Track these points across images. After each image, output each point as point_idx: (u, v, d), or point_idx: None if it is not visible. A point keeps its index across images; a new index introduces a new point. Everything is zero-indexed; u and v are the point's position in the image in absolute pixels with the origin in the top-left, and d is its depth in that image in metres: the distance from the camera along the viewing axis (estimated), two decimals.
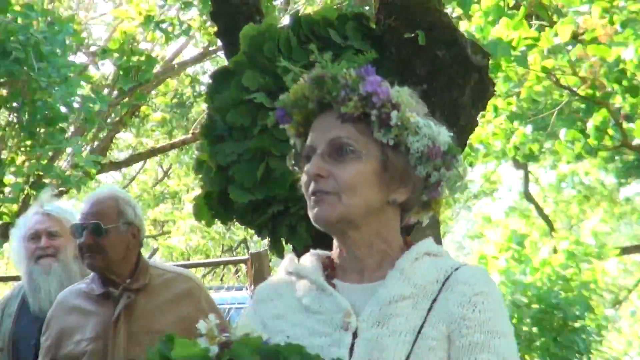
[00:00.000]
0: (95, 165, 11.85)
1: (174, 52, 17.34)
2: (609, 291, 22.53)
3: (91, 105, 11.43)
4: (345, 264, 2.70)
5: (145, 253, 5.11)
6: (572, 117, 11.84)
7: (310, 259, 2.78)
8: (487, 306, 2.55)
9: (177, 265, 6.53)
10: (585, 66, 10.77)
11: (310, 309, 2.65)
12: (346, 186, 2.59)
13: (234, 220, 4.50)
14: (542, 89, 11.48)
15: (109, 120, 16.94)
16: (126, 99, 16.00)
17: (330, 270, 2.73)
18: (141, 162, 21.46)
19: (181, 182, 23.31)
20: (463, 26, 10.20)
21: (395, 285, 2.60)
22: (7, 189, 11.58)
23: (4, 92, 11.12)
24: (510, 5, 10.26)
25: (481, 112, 4.63)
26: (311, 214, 2.64)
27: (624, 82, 10.06)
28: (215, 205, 4.44)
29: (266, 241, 4.52)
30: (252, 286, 7.52)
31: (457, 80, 4.35)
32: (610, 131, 11.49)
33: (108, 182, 22.72)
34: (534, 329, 9.36)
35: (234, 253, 23.04)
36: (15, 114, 11.18)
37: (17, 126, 11.17)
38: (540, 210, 21.38)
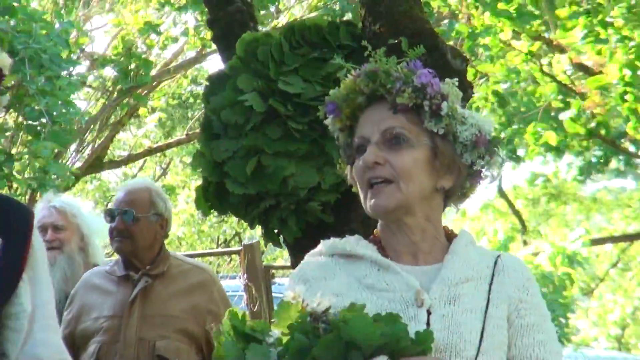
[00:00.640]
0: (67, 177, 11.74)
1: (170, 56, 17.31)
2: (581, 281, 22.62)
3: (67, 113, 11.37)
4: (398, 248, 2.69)
5: None
6: (548, 116, 11.84)
7: (359, 242, 2.74)
8: (535, 291, 2.65)
9: None
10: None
11: (375, 287, 2.62)
12: (403, 172, 2.60)
13: (229, 213, 4.52)
14: (521, 66, 11.44)
15: (110, 120, 16.95)
16: (125, 100, 15.98)
17: (381, 252, 2.70)
18: (141, 161, 21.39)
19: (178, 178, 23.29)
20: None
21: (458, 268, 2.62)
22: (14, 185, 11.54)
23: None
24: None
25: None
26: (369, 203, 2.63)
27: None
28: (212, 198, 4.46)
29: (258, 233, 4.54)
30: (245, 275, 7.54)
31: None
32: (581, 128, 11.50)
33: (109, 179, 22.75)
34: None
35: (228, 244, 23.05)
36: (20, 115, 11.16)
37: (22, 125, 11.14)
38: (513, 207, 21.40)
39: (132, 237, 4.90)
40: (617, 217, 24.64)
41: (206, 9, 5.10)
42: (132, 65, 14.52)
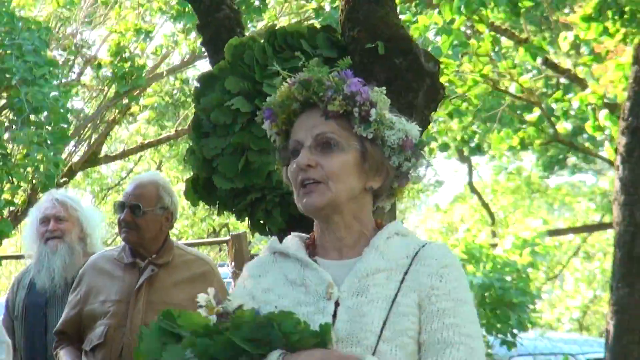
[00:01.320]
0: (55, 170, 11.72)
1: (160, 58, 17.28)
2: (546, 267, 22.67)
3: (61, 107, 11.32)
4: (326, 244, 2.74)
5: None
6: (511, 116, 11.86)
7: (292, 240, 2.82)
8: (452, 277, 2.61)
9: None
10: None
11: (295, 282, 2.68)
12: (333, 174, 2.63)
13: (217, 205, 4.54)
14: (480, 92, 11.46)
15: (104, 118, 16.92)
16: (119, 102, 15.97)
17: (311, 249, 2.77)
18: (137, 156, 21.35)
19: (171, 173, 23.24)
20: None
21: (371, 260, 2.64)
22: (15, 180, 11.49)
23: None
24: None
25: (433, 113, 4.67)
26: (301, 202, 2.68)
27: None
28: (201, 191, 4.49)
29: (246, 224, 4.56)
30: (233, 263, 7.56)
31: (412, 85, 4.39)
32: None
33: (107, 174, 22.70)
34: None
35: (217, 234, 23.05)
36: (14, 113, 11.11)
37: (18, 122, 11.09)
38: (482, 200, 21.45)
39: (139, 228, 4.94)
40: (579, 209, 24.76)
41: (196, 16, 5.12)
42: (127, 69, 14.51)
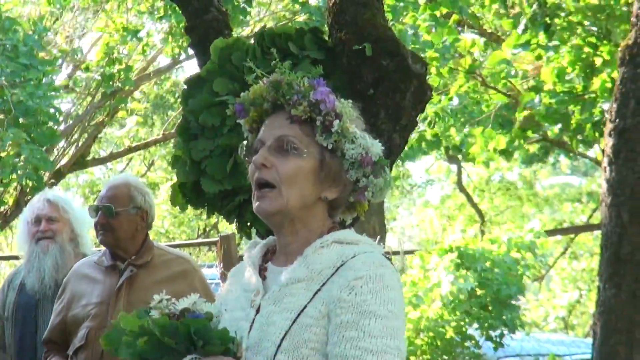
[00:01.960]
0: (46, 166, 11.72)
1: (148, 60, 17.25)
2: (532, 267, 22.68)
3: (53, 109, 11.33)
4: (278, 248, 2.75)
5: None
6: (499, 117, 11.85)
7: (260, 244, 2.83)
8: (365, 289, 2.52)
9: None
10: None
11: (246, 287, 2.71)
12: (286, 178, 2.62)
13: (205, 207, 4.53)
14: (469, 88, 11.47)
15: (92, 122, 16.90)
16: (108, 103, 15.95)
17: (270, 255, 2.77)
18: (127, 158, 21.35)
19: (161, 175, 23.24)
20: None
21: (295, 269, 2.62)
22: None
23: None
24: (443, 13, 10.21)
25: (420, 114, 4.67)
26: (254, 205, 2.67)
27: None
28: (189, 194, 4.48)
29: (234, 225, 4.55)
30: (221, 264, 7.56)
31: (399, 86, 4.39)
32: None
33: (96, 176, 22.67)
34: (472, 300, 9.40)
35: (207, 235, 23.05)
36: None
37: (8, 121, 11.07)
38: (471, 200, 21.48)
39: (113, 230, 4.96)
40: (566, 210, 24.82)
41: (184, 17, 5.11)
42: (114, 70, 14.49)
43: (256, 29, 13.49)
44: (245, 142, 2.82)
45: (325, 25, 4.64)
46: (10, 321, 5.59)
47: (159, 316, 2.54)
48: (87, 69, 15.29)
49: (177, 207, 4.67)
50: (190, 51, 14.07)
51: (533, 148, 12.80)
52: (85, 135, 17.24)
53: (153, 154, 22.01)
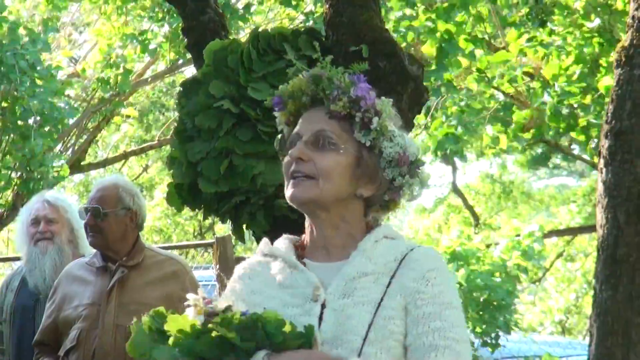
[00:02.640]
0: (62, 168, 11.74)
1: (145, 65, 17.24)
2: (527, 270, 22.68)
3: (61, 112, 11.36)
4: (314, 243, 2.73)
5: None
6: (498, 117, 11.83)
7: (283, 242, 2.80)
8: (438, 281, 2.59)
9: None
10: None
11: (283, 284, 2.68)
12: (324, 171, 2.62)
13: (202, 208, 4.52)
14: (479, 87, 11.47)
15: (89, 125, 16.90)
16: (104, 107, 15.95)
17: (300, 251, 2.76)
18: (123, 160, 21.36)
19: (157, 176, 23.25)
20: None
21: (359, 263, 2.63)
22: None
23: None
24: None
25: (417, 115, 4.67)
26: (288, 193, 2.66)
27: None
28: (185, 195, 4.47)
29: (229, 226, 4.55)
30: (218, 266, 7.55)
31: (396, 88, 4.38)
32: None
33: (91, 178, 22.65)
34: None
35: (203, 237, 23.04)
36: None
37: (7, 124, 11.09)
38: (466, 202, 21.47)
39: (102, 231, 4.97)
40: (562, 211, 24.83)
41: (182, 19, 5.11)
42: (112, 75, 14.48)
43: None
44: (280, 136, 2.83)
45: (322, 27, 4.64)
46: (8, 323, 5.59)
47: (196, 315, 2.49)
48: (83, 71, 15.27)
49: (173, 207, 4.66)
50: (188, 56, 14.09)
51: (532, 151, 12.82)
52: (82, 139, 17.25)
53: (149, 156, 21.99)
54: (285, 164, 2.70)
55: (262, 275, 2.76)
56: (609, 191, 5.31)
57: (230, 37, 4.82)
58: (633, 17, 5.41)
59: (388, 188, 2.72)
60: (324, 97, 2.69)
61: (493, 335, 9.45)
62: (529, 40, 9.61)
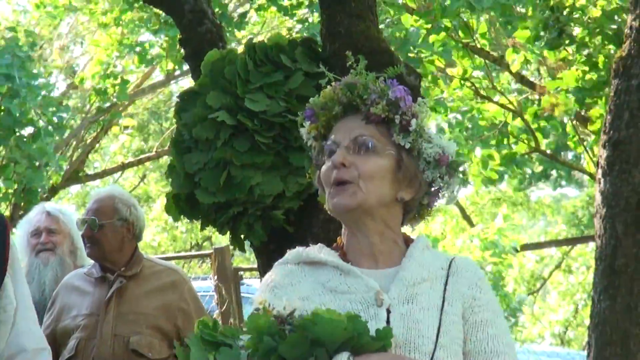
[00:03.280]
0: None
1: (143, 76, 17.25)
2: (524, 281, 22.69)
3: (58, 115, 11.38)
4: (358, 250, 2.70)
5: None
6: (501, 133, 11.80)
7: (321, 249, 2.75)
8: (487, 288, 2.66)
9: None
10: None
11: (338, 290, 2.63)
12: (367, 175, 2.61)
13: (199, 219, 4.52)
14: (462, 95, 11.43)
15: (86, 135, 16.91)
16: (102, 118, 15.97)
17: (342, 258, 2.71)
18: (119, 173, 21.36)
19: (155, 188, 23.25)
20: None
21: (415, 270, 2.63)
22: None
23: None
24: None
25: None
26: (331, 202, 2.64)
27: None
28: (183, 205, 4.48)
29: (227, 237, 4.55)
30: (215, 276, 7.56)
31: None
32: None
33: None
34: None
35: (200, 248, 23.03)
36: None
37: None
38: (463, 211, 21.45)
39: (99, 242, 4.96)
40: (560, 221, 24.83)
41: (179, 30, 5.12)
42: (109, 86, 14.49)
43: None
44: (313, 149, 2.79)
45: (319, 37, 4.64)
46: None
47: (271, 319, 2.45)
48: (81, 82, 15.29)
49: (171, 218, 4.67)
50: (185, 66, 14.09)
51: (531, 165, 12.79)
52: (79, 150, 17.25)
53: (147, 167, 21.99)
54: (324, 173, 2.67)
55: (305, 282, 2.69)
56: (607, 201, 5.31)
57: (228, 48, 4.82)
58: (631, 28, 5.42)
59: (427, 192, 2.72)
60: (361, 103, 2.68)
61: None
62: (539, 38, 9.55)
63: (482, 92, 11.45)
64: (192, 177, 4.37)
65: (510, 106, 11.14)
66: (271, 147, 4.26)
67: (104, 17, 14.39)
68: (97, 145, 18.60)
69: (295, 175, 4.26)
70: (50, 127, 11.32)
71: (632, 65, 5.32)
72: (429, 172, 2.68)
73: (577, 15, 9.45)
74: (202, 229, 4.68)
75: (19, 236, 5.75)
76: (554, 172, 13.05)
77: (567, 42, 9.39)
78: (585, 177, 14.50)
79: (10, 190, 11.40)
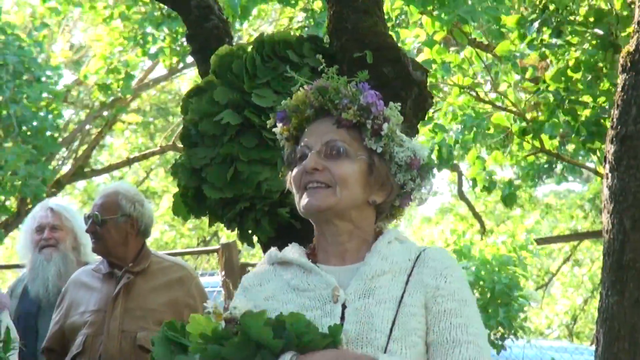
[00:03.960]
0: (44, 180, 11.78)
1: (146, 70, 17.25)
2: (532, 275, 22.64)
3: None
4: (327, 250, 2.76)
5: None
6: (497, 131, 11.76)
7: (293, 249, 2.83)
8: (455, 278, 2.65)
9: None
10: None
11: (299, 288, 2.70)
12: (341, 179, 2.66)
13: (207, 215, 4.53)
14: (463, 103, 11.41)
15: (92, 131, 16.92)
16: (107, 113, 15.97)
17: (312, 257, 2.78)
18: (125, 168, 21.37)
19: (161, 184, 23.26)
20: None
21: (375, 263, 2.67)
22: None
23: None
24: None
25: (421, 121, 4.67)
26: (302, 203, 2.69)
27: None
28: (190, 202, 4.48)
29: (235, 233, 4.56)
30: (223, 272, 7.58)
31: (400, 93, 4.39)
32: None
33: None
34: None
35: (207, 244, 23.06)
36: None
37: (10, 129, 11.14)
38: (473, 209, 21.43)
39: (102, 238, 5.02)
40: (568, 217, 24.80)
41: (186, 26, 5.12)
42: (113, 81, 14.49)
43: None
44: (287, 152, 2.84)
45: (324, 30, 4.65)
46: None
47: (216, 320, 2.50)
48: (85, 78, 15.32)
49: (180, 217, 4.67)
50: (189, 59, 14.08)
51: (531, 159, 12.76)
52: (85, 145, 17.27)
53: (152, 162, 22.00)
54: (295, 176, 2.72)
55: (274, 282, 2.78)
56: (614, 197, 5.31)
57: (237, 43, 4.83)
58: (638, 23, 5.41)
59: (398, 194, 2.76)
60: (332, 108, 2.72)
61: (499, 335, 9.42)
62: (530, 42, 9.56)
63: (484, 97, 11.41)
64: (198, 173, 4.37)
65: (513, 108, 11.11)
66: (279, 142, 4.26)
67: (106, 11, 14.40)
68: (102, 140, 18.62)
69: None
70: (53, 121, 11.33)
71: (639, 60, 5.31)
72: (400, 175, 2.73)
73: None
74: (210, 225, 4.69)
75: (23, 232, 5.79)
76: (558, 167, 13.03)
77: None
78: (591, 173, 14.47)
79: (18, 183, 11.42)
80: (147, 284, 4.95)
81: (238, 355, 2.44)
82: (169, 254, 6.56)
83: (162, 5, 12.50)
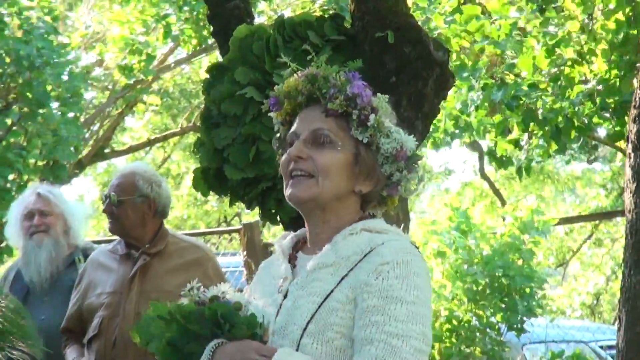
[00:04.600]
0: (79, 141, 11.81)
1: (167, 51, 17.24)
2: (553, 252, 22.59)
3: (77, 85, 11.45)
4: (309, 237, 2.79)
5: None
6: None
7: (290, 235, 2.88)
8: (392, 274, 2.56)
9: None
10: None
11: (275, 275, 2.78)
12: (323, 169, 2.67)
13: (228, 194, 4.54)
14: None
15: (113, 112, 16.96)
16: (128, 94, 16.00)
17: (300, 244, 2.82)
18: (146, 149, 21.43)
19: (183, 165, 23.30)
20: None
21: (323, 255, 2.67)
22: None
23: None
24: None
25: (442, 101, 4.67)
26: (287, 192, 2.71)
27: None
28: (211, 181, 4.50)
29: (257, 212, 4.57)
30: (245, 252, 7.60)
31: (422, 73, 4.40)
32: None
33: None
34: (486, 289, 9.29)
35: (229, 224, 23.11)
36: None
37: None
38: (493, 186, 21.41)
39: (119, 218, 5.05)
40: (590, 196, 24.72)
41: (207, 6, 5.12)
42: (134, 62, 14.50)
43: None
44: (277, 135, 2.87)
45: (347, 13, 4.64)
46: None
47: (187, 303, 2.58)
48: (101, 54, 15.32)
49: (200, 193, 4.68)
50: (210, 40, 14.05)
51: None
52: (105, 126, 17.31)
53: (174, 143, 22.03)
54: (282, 163, 2.74)
55: (271, 267, 2.85)
56: (637, 176, 5.30)
57: (257, 24, 4.83)
58: None
59: (385, 184, 2.75)
60: (320, 96, 2.73)
61: (518, 318, 9.37)
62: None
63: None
64: (220, 153, 4.39)
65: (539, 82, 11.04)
66: None
67: None
68: (122, 122, 18.66)
69: None
70: (70, 99, 11.38)
71: None
72: (387, 166, 2.72)
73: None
74: (231, 204, 4.71)
75: (12, 218, 5.81)
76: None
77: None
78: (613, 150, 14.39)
79: (40, 164, 11.45)
80: (163, 266, 4.97)
81: (179, 340, 2.55)
82: (191, 234, 6.58)
83: None
